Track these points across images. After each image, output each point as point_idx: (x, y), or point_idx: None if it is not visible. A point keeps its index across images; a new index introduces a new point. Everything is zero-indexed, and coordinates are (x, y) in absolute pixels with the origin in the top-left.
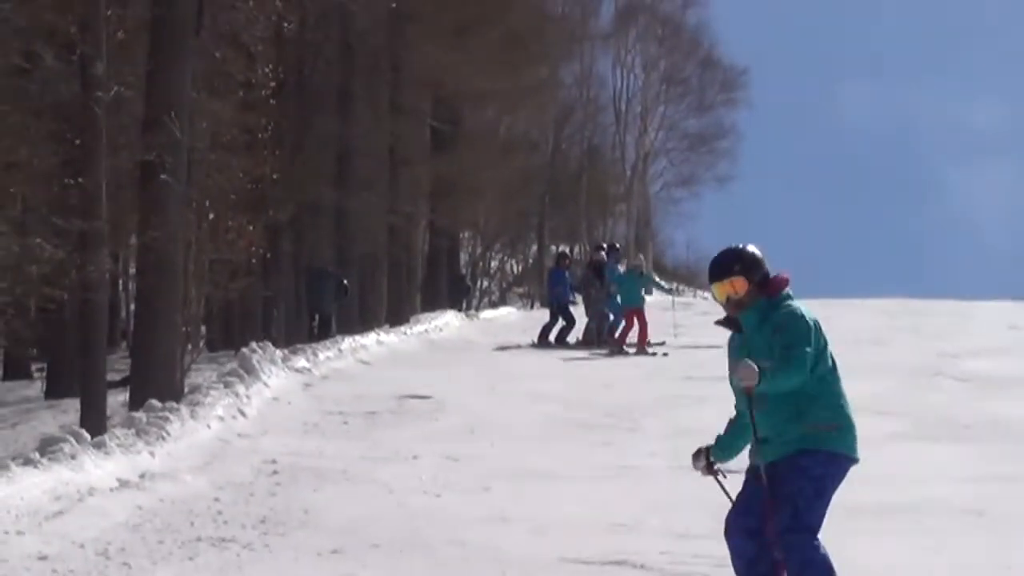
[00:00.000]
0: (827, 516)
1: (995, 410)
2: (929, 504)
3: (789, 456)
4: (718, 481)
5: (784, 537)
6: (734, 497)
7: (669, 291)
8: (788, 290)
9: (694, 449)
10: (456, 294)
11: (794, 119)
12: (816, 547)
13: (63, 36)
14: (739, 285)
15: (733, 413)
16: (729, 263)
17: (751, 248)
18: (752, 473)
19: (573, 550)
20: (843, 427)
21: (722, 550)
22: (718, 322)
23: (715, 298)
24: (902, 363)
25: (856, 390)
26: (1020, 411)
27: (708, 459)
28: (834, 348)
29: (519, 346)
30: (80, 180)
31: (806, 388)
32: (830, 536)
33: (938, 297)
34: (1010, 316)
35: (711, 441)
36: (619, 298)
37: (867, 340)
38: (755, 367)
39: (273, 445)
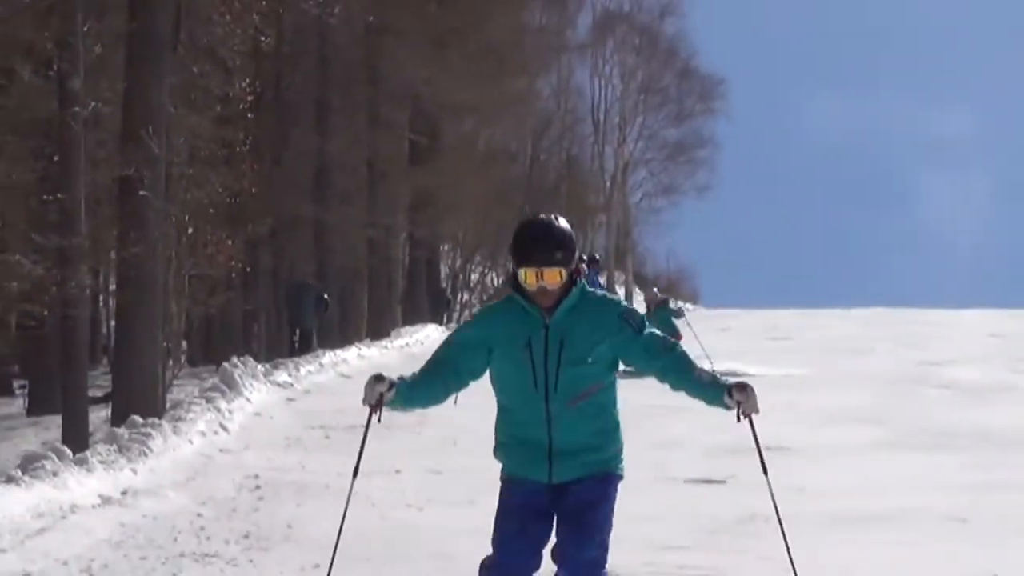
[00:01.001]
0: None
1: (977, 418)
2: (912, 512)
3: (590, 479)
4: (369, 418)
5: (592, 572)
6: (363, 451)
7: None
8: None
9: (375, 372)
10: (437, 307)
11: (771, 129)
12: None
13: (40, 52)
14: (556, 276)
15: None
16: (550, 250)
17: (567, 227)
18: (525, 488)
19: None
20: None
21: (708, 560)
22: (505, 296)
23: (521, 279)
24: (883, 372)
25: (838, 399)
26: (1002, 419)
27: (388, 391)
28: (817, 357)
29: None
30: (59, 196)
31: (613, 400)
32: (814, 544)
33: (916, 306)
34: (990, 324)
35: (407, 379)
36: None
37: (848, 349)
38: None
39: (255, 460)
